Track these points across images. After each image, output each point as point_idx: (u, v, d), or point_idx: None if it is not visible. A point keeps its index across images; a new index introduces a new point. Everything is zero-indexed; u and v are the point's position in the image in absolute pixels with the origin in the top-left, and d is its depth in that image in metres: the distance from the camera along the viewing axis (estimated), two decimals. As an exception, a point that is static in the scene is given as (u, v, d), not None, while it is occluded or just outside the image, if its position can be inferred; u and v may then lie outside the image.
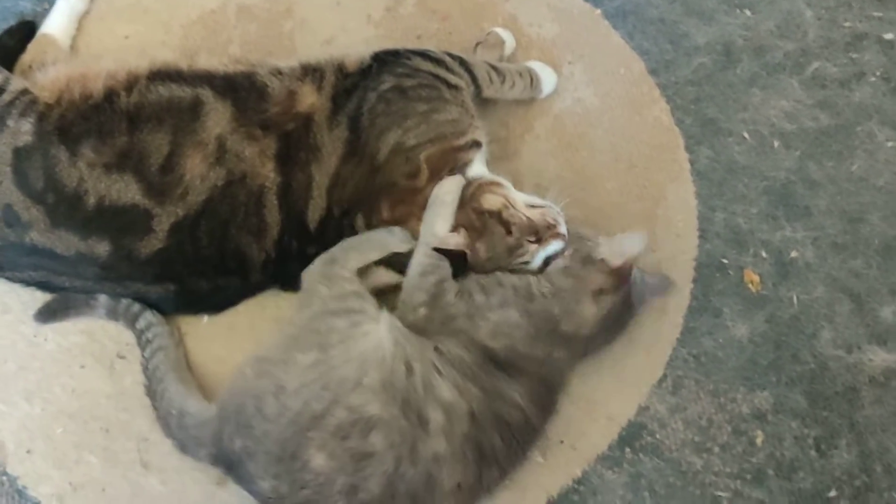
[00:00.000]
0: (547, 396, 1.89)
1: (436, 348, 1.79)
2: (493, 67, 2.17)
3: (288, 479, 1.68)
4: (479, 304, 1.83)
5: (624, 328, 1.93)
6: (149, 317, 1.93)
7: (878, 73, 2.40)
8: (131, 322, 1.93)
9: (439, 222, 1.91)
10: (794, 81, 2.37)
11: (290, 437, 1.68)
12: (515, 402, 1.80)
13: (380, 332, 1.78)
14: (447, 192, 1.93)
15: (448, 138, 1.99)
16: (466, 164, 2.01)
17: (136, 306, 1.93)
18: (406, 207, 1.97)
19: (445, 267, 1.88)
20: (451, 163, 1.99)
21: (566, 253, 1.90)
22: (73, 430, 1.93)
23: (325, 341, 1.75)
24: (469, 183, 1.97)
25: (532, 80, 2.25)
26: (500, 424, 1.78)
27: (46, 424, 1.93)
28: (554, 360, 1.86)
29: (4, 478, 1.89)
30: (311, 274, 1.89)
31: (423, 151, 1.96)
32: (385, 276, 1.98)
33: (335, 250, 1.90)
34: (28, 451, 1.92)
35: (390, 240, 1.93)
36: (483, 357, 1.80)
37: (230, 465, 1.75)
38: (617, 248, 1.87)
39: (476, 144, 2.03)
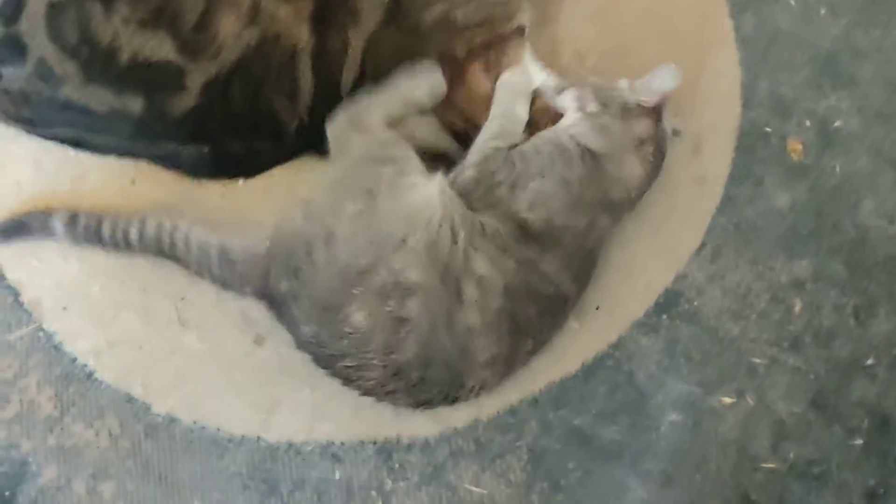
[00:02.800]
0: (584, 268, 1.95)
1: (475, 219, 1.85)
2: None
3: (329, 328, 1.79)
4: (520, 173, 1.88)
5: (659, 171, 1.98)
6: (112, 219, 1.96)
7: (926, -61, 2.43)
8: (95, 235, 1.96)
9: (519, 106, 2.00)
10: (843, -53, 2.40)
11: (336, 288, 1.77)
12: (550, 276, 1.86)
13: (430, 189, 1.84)
14: (523, 80, 2.01)
15: (496, 23, 2.05)
16: (511, 60, 2.06)
17: (94, 219, 1.96)
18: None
19: (515, 138, 1.95)
20: (492, 51, 2.05)
21: (596, 109, 1.94)
22: (110, 288, 2.02)
23: (374, 188, 1.82)
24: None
25: None
26: (535, 297, 1.85)
27: (83, 282, 2.03)
28: (596, 229, 1.92)
29: (41, 333, 2.00)
30: (338, 125, 1.95)
31: (470, 38, 2.03)
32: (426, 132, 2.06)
33: (358, 101, 1.96)
34: (64, 308, 2.02)
35: (415, 87, 1.99)
36: (519, 230, 1.85)
37: (273, 302, 1.85)
38: (649, 87, 1.92)
39: (521, 32, 2.08)
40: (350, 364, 1.81)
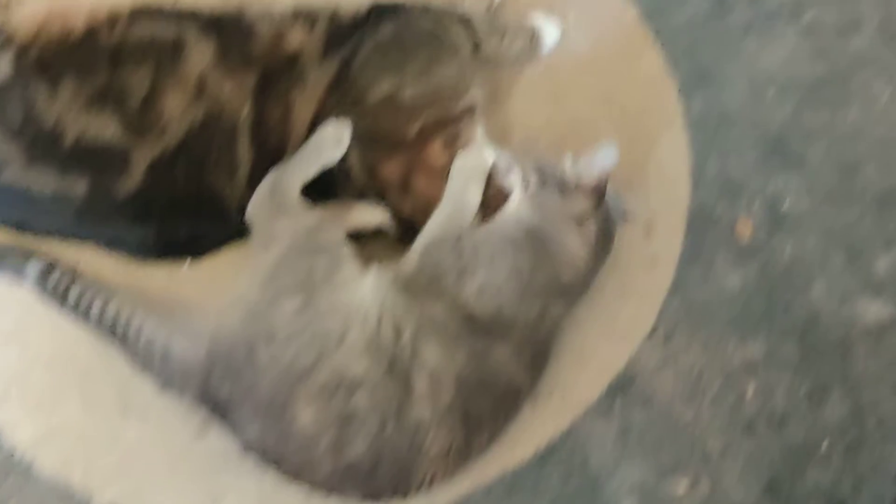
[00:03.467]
0: (538, 358, 1.93)
1: (422, 311, 1.82)
2: (493, 25, 2.23)
3: (275, 431, 1.75)
4: (468, 262, 1.87)
5: (608, 252, 1.97)
6: (84, 285, 1.96)
7: (874, 23, 2.48)
8: (62, 295, 1.95)
9: (472, 192, 1.98)
10: (790, 30, 2.45)
11: (280, 389, 1.74)
12: (502, 368, 1.84)
13: (362, 288, 1.83)
14: (473, 167, 2.00)
15: (445, 102, 2.05)
16: (468, 138, 2.07)
17: (68, 277, 1.96)
18: (398, 164, 2.04)
19: (464, 225, 1.94)
20: (447, 130, 2.05)
21: (536, 186, 1.91)
22: (50, 374, 1.99)
23: (308, 282, 1.80)
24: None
25: (533, 37, 2.29)
26: (487, 390, 1.83)
27: (23, 369, 1.99)
28: (548, 318, 1.90)
29: (-21, 424, 1.92)
30: (261, 208, 1.93)
31: (419, 115, 2.03)
32: (364, 216, 2.04)
33: (273, 177, 1.94)
34: (3, 397, 1.98)
35: (324, 149, 1.97)
36: (469, 320, 1.83)
37: (215, 407, 1.81)
38: (589, 166, 1.89)
39: (472, 110, 2.09)
40: (298, 463, 1.77)
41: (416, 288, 1.86)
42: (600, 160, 1.90)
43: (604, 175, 1.88)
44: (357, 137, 2.00)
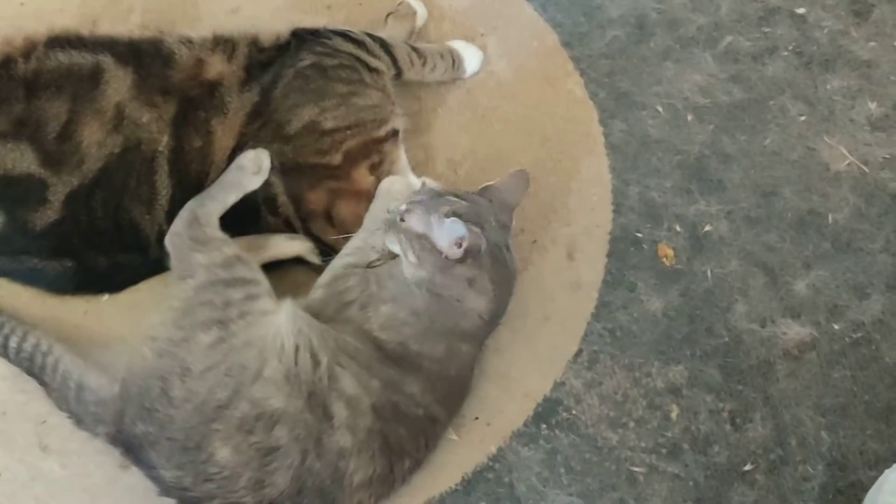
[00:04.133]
0: (452, 393, 1.93)
1: (335, 339, 1.81)
2: (414, 50, 2.25)
3: (192, 470, 1.71)
4: (372, 294, 1.86)
5: (511, 288, 1.95)
6: (1, 319, 1.94)
7: (790, 48, 2.54)
8: None
9: None
10: (708, 55, 2.50)
11: (196, 425, 1.70)
12: (415, 398, 1.83)
13: (278, 319, 1.81)
14: (398, 191, 1.99)
15: (368, 127, 2.06)
16: (392, 162, 2.08)
17: None
18: (323, 192, 2.04)
19: (371, 255, 1.92)
20: (372, 155, 2.06)
21: (415, 261, 1.84)
22: (-33, 412, 1.92)
23: (224, 316, 1.78)
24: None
25: (454, 61, 2.33)
26: (403, 418, 1.81)
27: (-62, 408, 1.92)
28: (457, 356, 1.89)
29: None
30: (178, 239, 1.89)
31: (342, 141, 2.03)
32: (284, 246, 2.03)
33: (192, 207, 1.91)
34: (-83, 436, 1.91)
35: (243, 178, 1.96)
36: (377, 349, 1.82)
37: (129, 447, 1.77)
38: (447, 240, 1.80)
39: (395, 134, 2.10)
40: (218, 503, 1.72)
41: (324, 316, 1.86)
42: (452, 232, 1.79)
43: (463, 242, 1.80)
44: (281, 166, 1.98)
